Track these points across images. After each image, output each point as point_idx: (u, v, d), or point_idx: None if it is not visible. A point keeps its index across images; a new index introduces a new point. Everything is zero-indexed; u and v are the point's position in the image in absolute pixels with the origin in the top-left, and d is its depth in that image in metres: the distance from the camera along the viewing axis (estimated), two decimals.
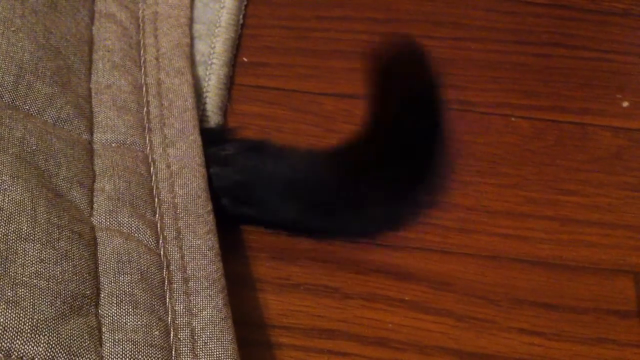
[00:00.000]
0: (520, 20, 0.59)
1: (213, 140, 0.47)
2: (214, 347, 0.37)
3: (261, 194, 0.46)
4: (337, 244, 0.47)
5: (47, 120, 0.41)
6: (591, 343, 0.45)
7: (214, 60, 0.53)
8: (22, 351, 0.33)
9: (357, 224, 0.47)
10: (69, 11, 0.47)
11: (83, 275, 0.36)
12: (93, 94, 0.45)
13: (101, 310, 0.36)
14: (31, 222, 0.36)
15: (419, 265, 0.47)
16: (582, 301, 0.46)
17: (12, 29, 0.43)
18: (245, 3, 0.58)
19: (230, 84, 0.53)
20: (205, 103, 0.51)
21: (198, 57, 0.53)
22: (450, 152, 0.51)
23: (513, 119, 0.54)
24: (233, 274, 0.43)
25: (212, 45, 0.54)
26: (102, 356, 0.35)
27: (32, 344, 0.33)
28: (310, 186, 0.47)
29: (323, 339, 0.44)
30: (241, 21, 0.57)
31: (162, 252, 0.40)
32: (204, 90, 0.52)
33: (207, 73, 0.52)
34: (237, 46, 0.55)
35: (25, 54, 0.42)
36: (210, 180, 0.44)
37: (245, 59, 0.55)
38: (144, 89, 0.47)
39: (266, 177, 0.46)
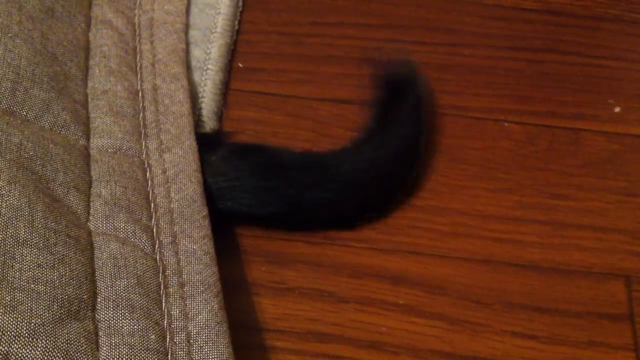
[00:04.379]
0: (513, 27, 0.60)
1: (208, 145, 0.47)
2: (210, 350, 0.37)
3: (252, 191, 0.46)
4: (332, 248, 0.48)
5: (44, 126, 0.42)
6: (583, 346, 0.45)
7: (210, 66, 0.53)
8: (19, 355, 0.33)
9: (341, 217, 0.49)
10: (65, 17, 0.48)
11: (80, 280, 0.37)
12: (89, 99, 0.46)
13: (98, 315, 0.36)
14: (28, 227, 0.36)
15: (413, 269, 0.47)
16: (574, 304, 0.47)
17: (9, 35, 0.43)
18: (240, 9, 0.58)
19: (225, 89, 0.54)
20: (200, 108, 0.51)
21: (194, 63, 0.53)
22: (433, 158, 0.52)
23: (506, 124, 0.54)
24: (228, 278, 0.43)
25: (208, 51, 0.54)
26: None
27: (30, 348, 0.33)
28: (299, 171, 0.48)
29: (318, 342, 0.44)
30: (236, 27, 0.57)
31: (158, 257, 0.40)
32: (200, 95, 0.52)
33: (203, 79, 0.53)
34: (233, 52, 0.56)
35: (22, 60, 0.43)
36: (205, 184, 0.45)
37: (240, 65, 0.55)
38: (140, 94, 0.47)
39: (256, 174, 0.47)
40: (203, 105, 0.51)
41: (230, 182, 0.46)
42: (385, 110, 0.51)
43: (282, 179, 0.47)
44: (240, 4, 0.58)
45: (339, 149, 0.50)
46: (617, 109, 0.55)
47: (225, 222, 0.46)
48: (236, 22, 0.57)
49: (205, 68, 0.53)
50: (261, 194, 0.46)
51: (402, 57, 0.54)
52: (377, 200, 0.50)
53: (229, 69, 0.55)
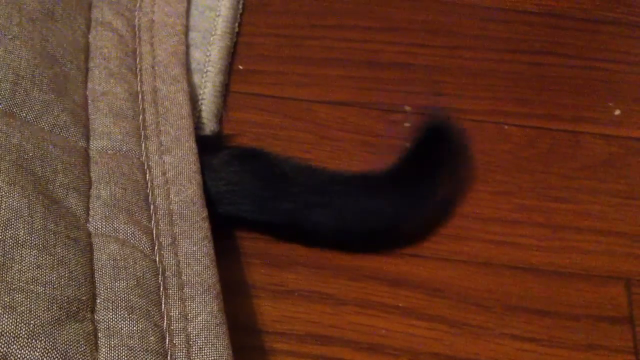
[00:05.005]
0: (513, 29, 0.60)
1: (208, 147, 0.47)
2: (209, 352, 0.37)
3: (253, 198, 0.46)
4: (330, 251, 0.48)
5: (43, 128, 0.42)
6: (583, 349, 0.45)
7: (210, 68, 0.53)
8: (18, 356, 0.33)
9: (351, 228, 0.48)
10: (65, 19, 0.48)
11: (79, 281, 0.37)
12: (89, 101, 0.46)
13: (97, 316, 0.36)
14: (28, 228, 0.36)
15: (412, 271, 0.47)
16: (574, 307, 0.47)
17: (9, 36, 0.43)
18: (240, 11, 0.58)
19: (225, 91, 0.54)
20: (200, 110, 0.51)
21: (194, 65, 0.53)
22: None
23: (506, 126, 0.54)
24: (228, 280, 0.43)
25: (208, 53, 0.54)
26: None
27: (29, 349, 0.33)
28: (303, 188, 0.47)
29: (317, 344, 0.44)
30: (236, 29, 0.57)
31: (157, 259, 0.40)
32: (200, 97, 0.52)
33: (203, 81, 0.53)
34: (233, 54, 0.56)
35: (22, 62, 0.43)
36: (205, 186, 0.45)
37: (240, 67, 0.55)
38: (139, 96, 0.47)
39: (257, 181, 0.47)
40: (203, 107, 0.51)
41: (230, 186, 0.46)
42: (413, 160, 0.50)
43: (283, 191, 0.47)
44: (240, 6, 0.58)
45: (347, 174, 0.50)
46: (616, 112, 0.55)
47: (224, 226, 0.46)
48: (236, 25, 0.57)
49: (205, 70, 0.53)
50: (260, 201, 0.46)
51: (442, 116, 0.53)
52: (373, 241, 0.49)
53: (229, 71, 0.55)
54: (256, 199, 0.46)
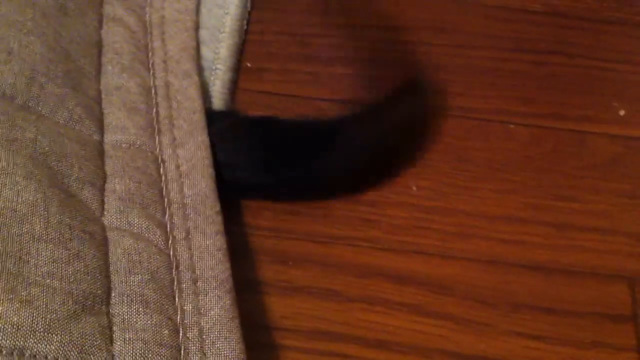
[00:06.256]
0: (519, 29, 0.60)
1: (217, 118, 0.49)
2: (222, 346, 0.38)
3: (256, 162, 0.48)
4: (338, 248, 0.48)
5: (58, 121, 0.42)
6: (587, 347, 0.46)
7: (219, 66, 0.53)
8: (35, 349, 0.33)
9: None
10: (78, 15, 0.48)
11: (94, 275, 0.37)
12: (103, 95, 0.46)
13: (112, 310, 0.37)
14: (44, 223, 0.37)
15: (419, 269, 0.48)
16: (579, 305, 0.47)
17: (24, 31, 0.43)
18: (249, 9, 0.58)
19: (234, 89, 0.54)
20: (210, 108, 0.51)
21: (203, 63, 0.53)
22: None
23: (512, 125, 0.55)
24: (236, 276, 0.43)
25: (217, 51, 0.54)
26: (113, 355, 0.35)
27: (45, 343, 0.33)
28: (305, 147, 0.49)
29: (324, 341, 0.44)
30: (245, 27, 0.57)
31: (171, 253, 0.40)
32: (209, 95, 0.52)
33: (212, 78, 0.53)
34: (241, 52, 0.56)
35: (37, 57, 0.43)
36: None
37: (249, 65, 0.56)
38: (152, 90, 0.47)
39: (260, 146, 0.48)
40: (212, 104, 0.52)
41: (237, 152, 0.47)
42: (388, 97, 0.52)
43: (290, 147, 0.48)
44: (249, 4, 0.58)
45: (343, 116, 0.51)
46: (622, 112, 0.56)
47: (231, 195, 0.46)
48: (244, 22, 0.57)
49: (214, 68, 0.53)
50: (268, 162, 0.47)
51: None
52: (384, 166, 0.51)
53: (238, 69, 0.55)
54: (263, 160, 0.47)
